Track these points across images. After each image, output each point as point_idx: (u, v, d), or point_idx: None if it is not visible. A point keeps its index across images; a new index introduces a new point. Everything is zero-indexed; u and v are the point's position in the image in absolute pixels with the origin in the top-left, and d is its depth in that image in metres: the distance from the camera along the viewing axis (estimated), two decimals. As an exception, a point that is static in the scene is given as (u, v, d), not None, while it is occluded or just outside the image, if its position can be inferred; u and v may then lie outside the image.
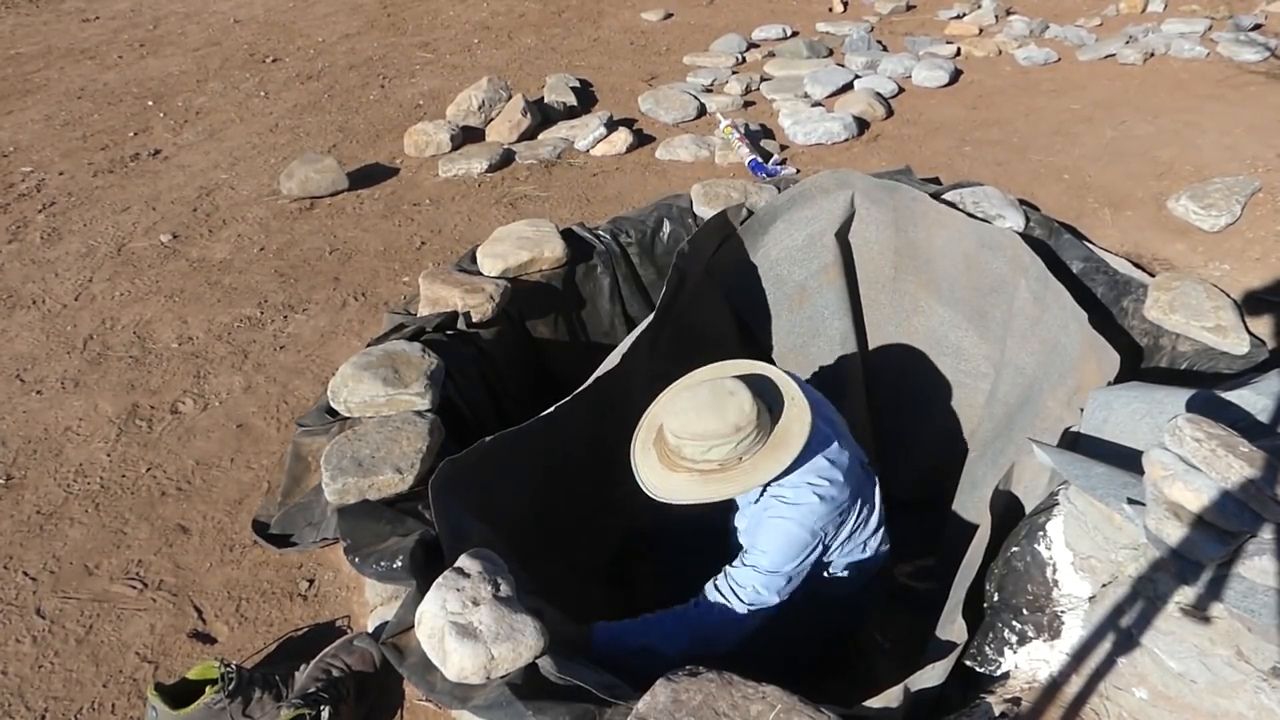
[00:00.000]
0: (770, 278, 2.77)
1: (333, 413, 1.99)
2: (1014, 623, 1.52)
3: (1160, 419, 1.50)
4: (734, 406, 1.69)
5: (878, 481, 2.02)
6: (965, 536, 2.01)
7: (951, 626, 1.59)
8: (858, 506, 1.89)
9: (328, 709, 1.42)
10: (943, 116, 3.97)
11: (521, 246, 2.49)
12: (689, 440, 1.69)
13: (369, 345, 2.15)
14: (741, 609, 1.75)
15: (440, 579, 1.42)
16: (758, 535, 1.80)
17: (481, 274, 2.51)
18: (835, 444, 1.84)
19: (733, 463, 1.70)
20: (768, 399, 1.79)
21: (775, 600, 1.78)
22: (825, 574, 1.97)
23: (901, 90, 4.27)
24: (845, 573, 2.00)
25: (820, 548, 1.83)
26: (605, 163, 3.67)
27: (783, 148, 3.74)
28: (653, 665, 1.54)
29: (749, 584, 1.75)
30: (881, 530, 2.03)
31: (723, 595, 1.77)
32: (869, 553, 2.00)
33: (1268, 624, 1.17)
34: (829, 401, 1.98)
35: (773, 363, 2.87)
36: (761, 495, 1.82)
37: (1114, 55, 4.48)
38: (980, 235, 2.47)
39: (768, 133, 3.88)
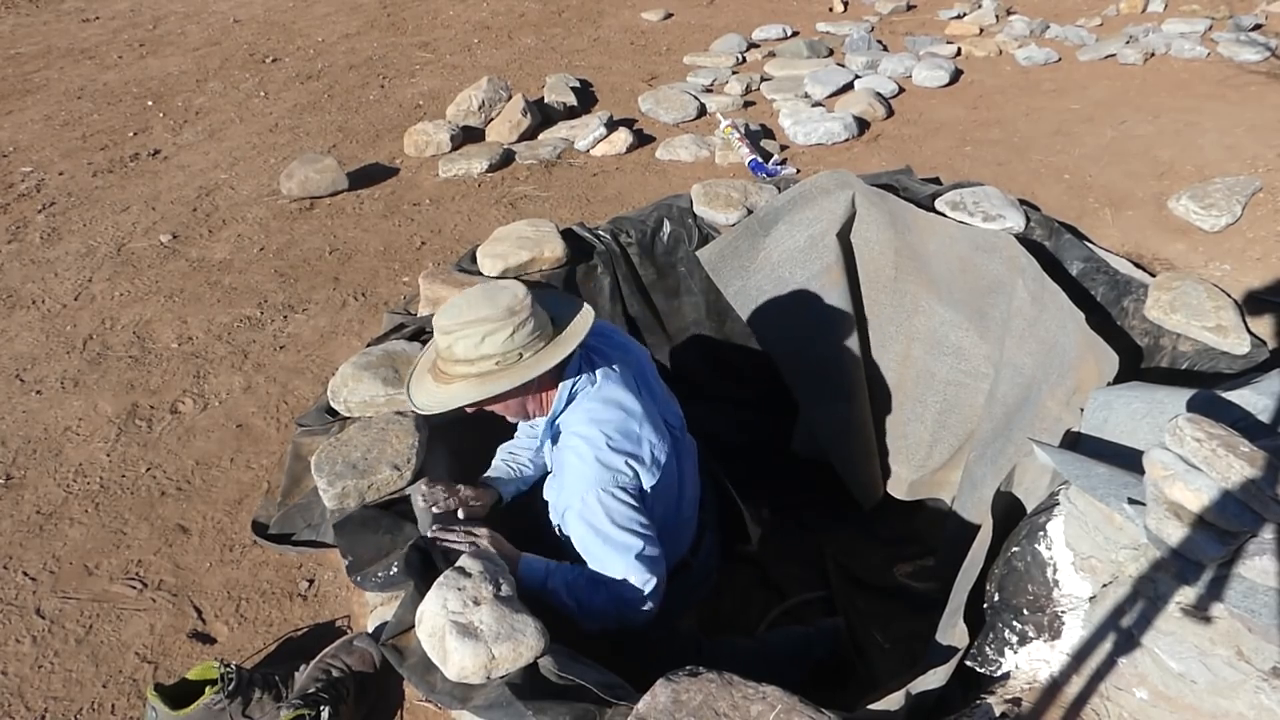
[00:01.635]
0: (772, 280, 2.77)
1: (332, 413, 1.99)
2: (1014, 623, 1.51)
3: (1161, 419, 1.50)
4: (506, 295, 1.59)
5: (688, 449, 1.90)
6: (965, 536, 2.01)
7: (953, 630, 1.59)
8: (654, 467, 1.72)
9: (328, 709, 1.42)
10: (943, 116, 3.97)
11: (521, 246, 2.49)
12: (460, 333, 1.56)
13: (369, 345, 2.14)
14: (637, 585, 1.64)
15: (441, 578, 1.42)
16: (560, 479, 1.67)
17: (481, 274, 2.50)
18: (635, 395, 1.72)
19: (512, 357, 1.58)
20: (549, 306, 1.69)
21: (649, 572, 1.63)
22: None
23: (902, 90, 4.27)
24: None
25: (637, 488, 1.67)
26: (605, 163, 3.67)
27: (783, 148, 3.74)
28: (560, 608, 1.61)
29: (608, 567, 1.63)
30: (692, 499, 1.89)
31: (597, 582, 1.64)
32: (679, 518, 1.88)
33: (1268, 624, 1.17)
34: (648, 354, 1.91)
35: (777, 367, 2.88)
36: (559, 436, 1.71)
37: (1114, 55, 4.48)
38: (973, 238, 2.47)
39: (768, 133, 3.88)
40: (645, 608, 1.67)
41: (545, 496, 1.77)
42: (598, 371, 1.71)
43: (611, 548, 1.62)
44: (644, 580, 1.64)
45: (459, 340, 1.58)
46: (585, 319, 1.67)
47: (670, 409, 1.89)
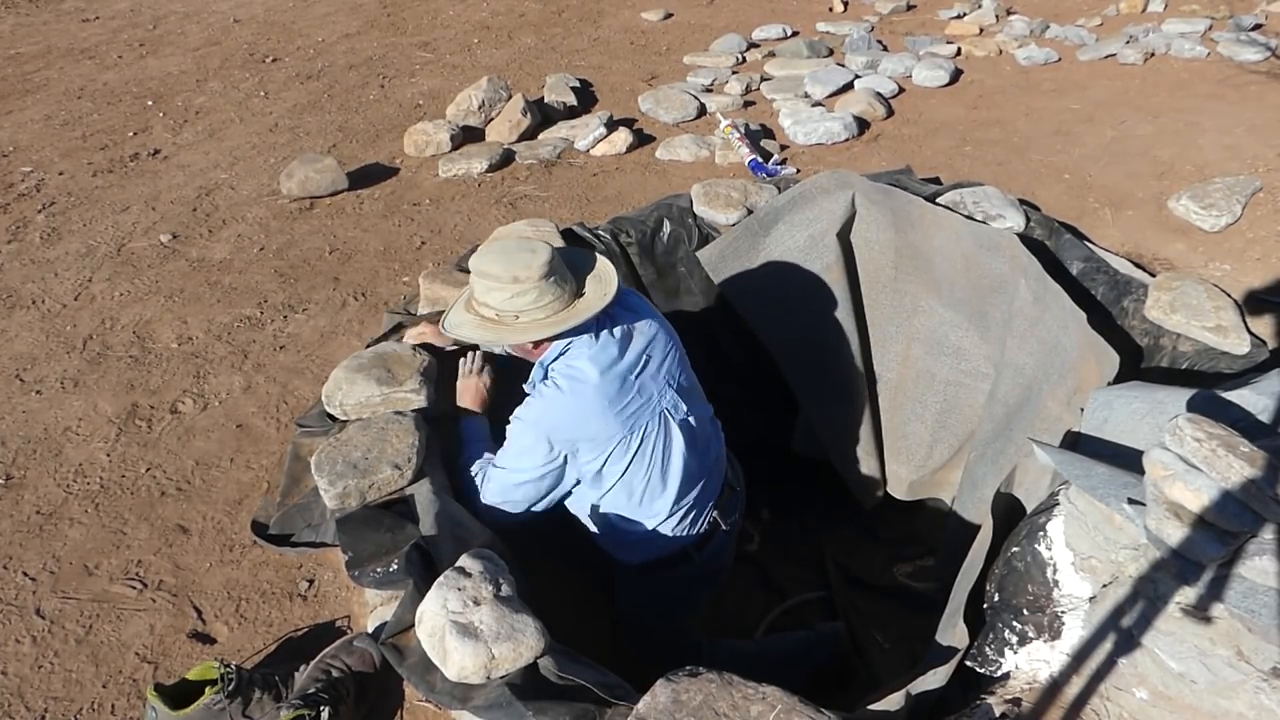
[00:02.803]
0: (773, 279, 2.77)
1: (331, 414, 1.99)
2: (1014, 623, 1.52)
3: (1161, 419, 1.50)
4: (523, 261, 1.67)
5: (680, 440, 1.87)
6: (965, 537, 2.01)
7: (953, 630, 1.59)
8: (633, 441, 1.78)
9: (327, 709, 1.42)
10: (943, 116, 3.97)
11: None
12: (477, 278, 1.72)
13: (367, 346, 2.15)
14: (485, 496, 1.82)
15: (441, 578, 1.42)
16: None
17: (481, 274, 2.50)
18: (630, 369, 1.77)
19: (509, 317, 1.70)
20: (581, 279, 1.77)
21: (512, 497, 1.81)
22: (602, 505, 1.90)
23: (902, 90, 4.27)
24: (627, 512, 1.90)
25: (561, 460, 1.78)
26: (605, 163, 3.67)
27: (783, 148, 3.74)
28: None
29: (494, 478, 1.81)
30: (677, 483, 1.88)
31: (481, 476, 1.84)
32: (660, 503, 1.89)
33: (1268, 624, 1.17)
34: (675, 342, 1.92)
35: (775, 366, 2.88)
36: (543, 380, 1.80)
37: (1114, 55, 4.48)
38: (978, 236, 2.47)
39: (768, 133, 3.88)
40: (486, 516, 1.81)
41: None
42: (601, 334, 1.77)
43: (508, 466, 1.80)
44: (501, 502, 1.83)
45: (476, 284, 1.73)
46: (583, 311, 1.72)
47: (671, 397, 1.86)
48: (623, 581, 2.14)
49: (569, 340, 1.75)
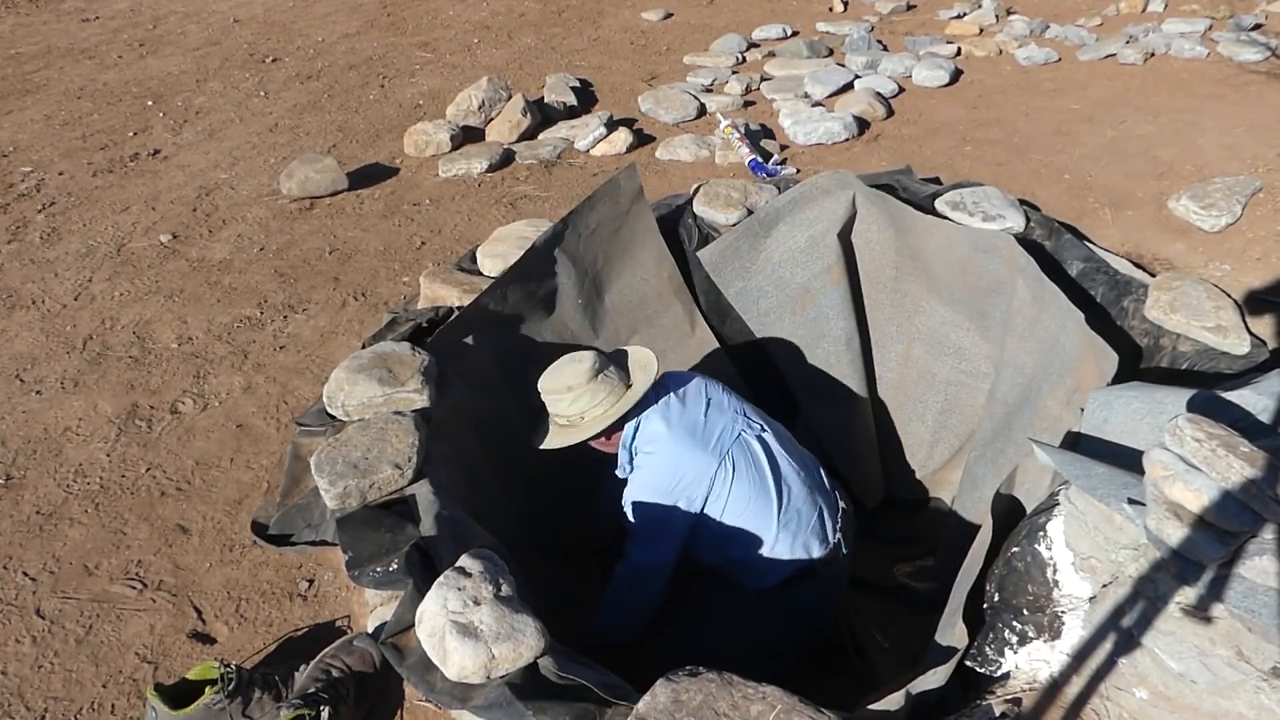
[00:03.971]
0: (773, 280, 2.76)
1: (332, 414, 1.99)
2: (1014, 623, 1.51)
3: (1161, 419, 1.50)
4: (571, 370, 1.95)
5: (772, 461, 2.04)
6: (965, 536, 2.01)
7: (952, 630, 1.59)
8: (727, 465, 1.96)
9: (327, 709, 1.42)
10: (943, 116, 3.97)
11: (521, 247, 2.49)
12: (544, 394, 2.00)
13: (363, 344, 2.14)
14: (631, 575, 1.99)
15: (441, 578, 1.42)
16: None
17: (482, 274, 2.50)
18: (700, 412, 2.01)
19: (576, 418, 1.97)
20: (627, 371, 2.05)
21: (656, 558, 1.96)
22: (720, 546, 2.03)
23: (902, 90, 4.27)
24: (743, 548, 2.03)
25: (684, 497, 1.95)
26: (605, 163, 3.67)
27: (783, 147, 3.74)
28: (613, 641, 2.00)
29: (630, 551, 1.98)
30: (775, 492, 2.01)
31: (619, 571, 2.01)
32: (773, 530, 2.00)
33: (1268, 624, 1.17)
34: (724, 386, 2.17)
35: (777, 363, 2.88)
36: (632, 461, 2.03)
37: (1114, 55, 4.48)
38: (972, 240, 2.47)
39: (768, 133, 3.88)
40: (653, 591, 2.00)
41: (620, 492, 2.06)
42: (661, 400, 2.01)
43: (650, 531, 1.97)
44: (653, 565, 1.98)
45: (546, 400, 2.00)
46: (624, 397, 1.98)
47: (743, 421, 2.06)
48: (736, 608, 2.13)
49: (636, 420, 1.99)
